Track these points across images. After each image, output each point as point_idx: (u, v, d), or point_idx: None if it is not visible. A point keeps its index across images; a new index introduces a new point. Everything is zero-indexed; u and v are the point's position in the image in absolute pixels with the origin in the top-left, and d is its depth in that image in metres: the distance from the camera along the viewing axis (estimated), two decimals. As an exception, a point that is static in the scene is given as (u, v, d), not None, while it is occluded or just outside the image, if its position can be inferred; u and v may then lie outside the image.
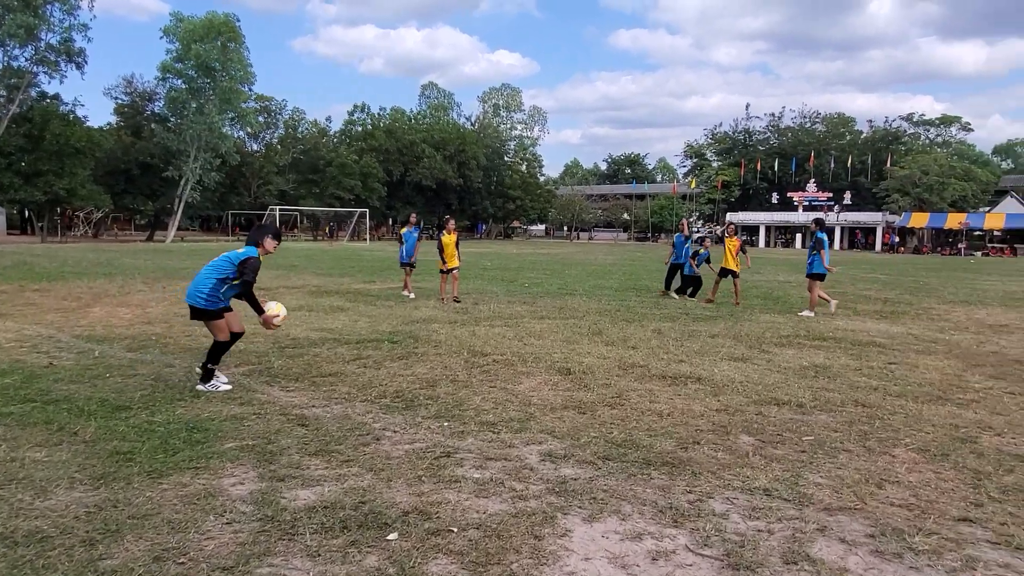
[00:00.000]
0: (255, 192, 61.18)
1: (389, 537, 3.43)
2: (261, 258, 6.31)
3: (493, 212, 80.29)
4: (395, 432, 5.17)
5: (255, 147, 67.02)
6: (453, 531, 3.51)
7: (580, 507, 3.85)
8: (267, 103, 66.50)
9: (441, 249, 13.89)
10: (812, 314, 12.49)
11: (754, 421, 5.62)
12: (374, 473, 4.30)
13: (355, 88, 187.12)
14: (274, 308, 6.40)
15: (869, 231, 69.39)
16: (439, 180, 70.42)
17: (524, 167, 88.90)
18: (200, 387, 6.20)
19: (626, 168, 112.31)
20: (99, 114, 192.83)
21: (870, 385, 6.99)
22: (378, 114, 77.53)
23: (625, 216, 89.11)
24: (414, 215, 17.30)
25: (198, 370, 6.42)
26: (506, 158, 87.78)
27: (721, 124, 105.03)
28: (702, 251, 15.98)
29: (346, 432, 5.10)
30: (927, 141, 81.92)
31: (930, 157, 70.17)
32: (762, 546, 3.43)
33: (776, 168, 78.11)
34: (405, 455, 4.66)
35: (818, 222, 13.33)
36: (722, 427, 5.44)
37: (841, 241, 69.90)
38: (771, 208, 75.81)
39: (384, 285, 16.89)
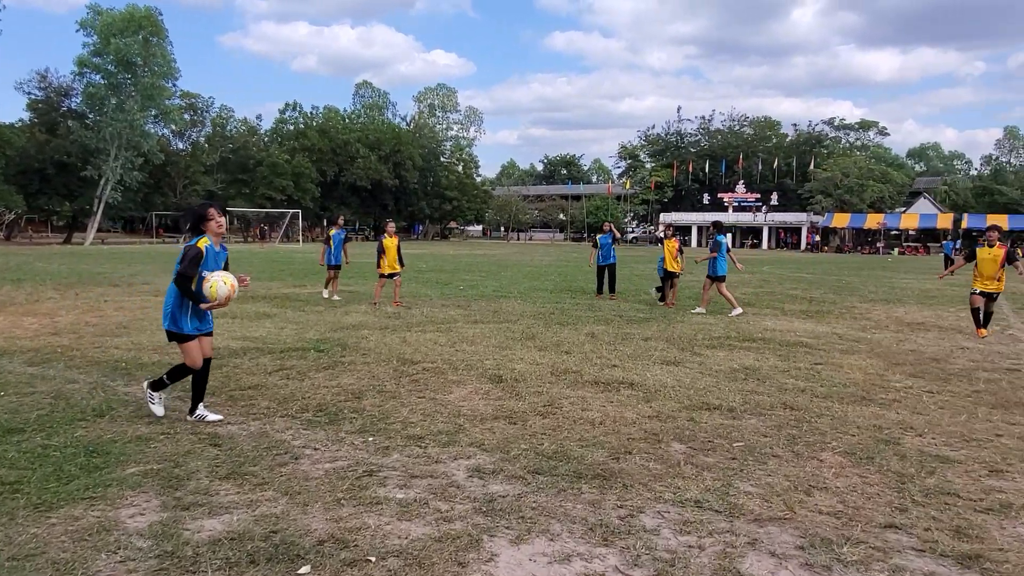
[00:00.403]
0: (181, 192, 58.96)
1: (301, 571, 3.19)
2: (210, 243, 5.34)
3: (430, 213, 79.65)
4: (316, 450, 4.90)
5: (181, 146, 64.61)
6: (371, 560, 3.30)
7: (507, 528, 3.69)
8: (193, 100, 64.16)
9: (382, 252, 13.52)
10: (741, 311, 12.76)
11: (686, 428, 5.57)
12: (289, 497, 4.04)
13: (287, 86, 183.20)
14: (211, 290, 5.26)
15: (795, 231, 71.76)
16: (374, 181, 69.41)
17: (461, 168, 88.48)
18: (153, 405, 5.56)
19: (562, 169, 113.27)
20: (10, 110, 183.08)
21: (798, 387, 7.07)
22: (311, 113, 75.99)
23: (561, 216, 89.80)
24: (341, 216, 16.92)
25: (145, 386, 5.67)
26: (442, 159, 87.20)
27: (654, 126, 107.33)
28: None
29: (262, 452, 4.80)
30: (847, 145, 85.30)
31: (850, 160, 73.16)
32: (692, 564, 3.33)
33: (707, 169, 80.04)
34: (325, 475, 4.40)
35: (716, 225, 13.79)
36: (654, 435, 5.36)
37: (769, 241, 72.13)
38: (703, 208, 77.55)
39: (315, 289, 16.40)
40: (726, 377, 7.46)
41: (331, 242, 14.77)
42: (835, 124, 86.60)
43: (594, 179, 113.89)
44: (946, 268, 29.37)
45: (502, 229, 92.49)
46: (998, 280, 10.89)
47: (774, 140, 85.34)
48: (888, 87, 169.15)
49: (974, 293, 11.05)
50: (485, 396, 6.45)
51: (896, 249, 62.57)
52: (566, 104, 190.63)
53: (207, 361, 5.54)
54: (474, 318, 11.74)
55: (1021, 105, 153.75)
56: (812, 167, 73.91)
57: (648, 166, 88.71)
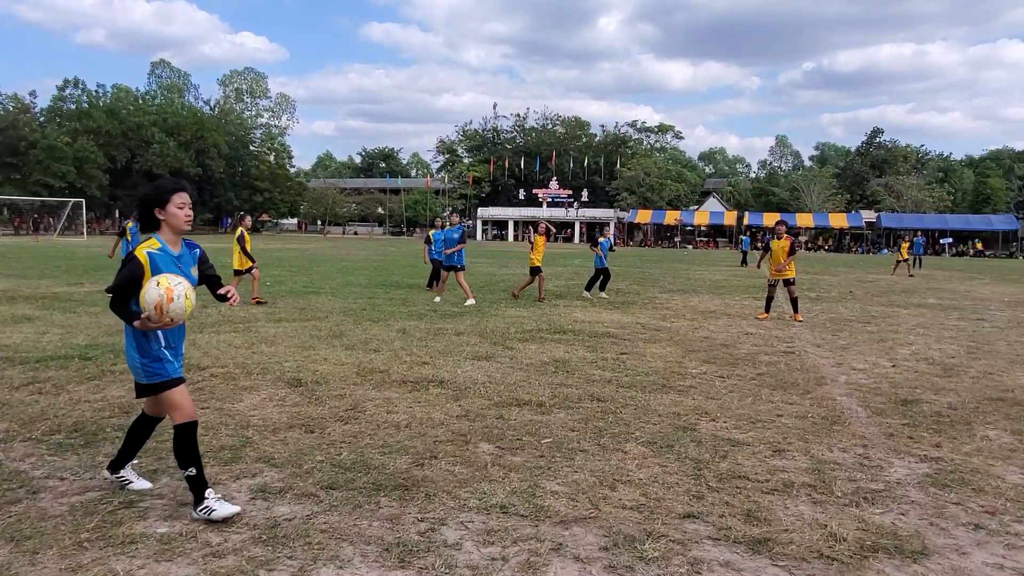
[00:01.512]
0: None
1: (11, 644, 2.54)
2: (162, 244, 3.68)
3: (239, 205, 74.71)
4: (62, 480, 4.11)
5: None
6: (113, 618, 2.71)
7: (290, 558, 3.23)
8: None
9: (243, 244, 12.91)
10: (473, 301, 13.21)
11: (495, 426, 5.38)
12: (15, 544, 3.29)
13: (69, 61, 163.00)
14: (150, 300, 3.46)
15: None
16: (174, 169, 63.82)
17: (272, 158, 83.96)
18: (193, 513, 3.63)
19: (380, 162, 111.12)
20: None
21: (604, 377, 7.18)
22: (96, 91, 68.25)
23: (380, 210, 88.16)
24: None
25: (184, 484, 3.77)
26: (252, 147, 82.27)
27: (471, 122, 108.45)
28: (603, 240, 16.45)
29: (-13, 488, 3.93)
30: (648, 147, 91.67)
31: (651, 161, 78.84)
32: (495, 579, 3.10)
33: (522, 166, 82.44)
34: (69, 512, 3.67)
35: (457, 214, 14.97)
36: (462, 436, 5.12)
37: (580, 236, 75.80)
38: (518, 204, 79.69)
39: (95, 287, 14.52)
40: (536, 371, 7.42)
41: (128, 235, 12.83)
42: (637, 127, 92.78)
43: (413, 173, 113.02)
44: (744, 261, 33.10)
45: (318, 223, 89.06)
46: (787, 268, 12.37)
47: (584, 139, 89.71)
48: (682, 95, 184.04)
49: (771, 284, 12.63)
50: (280, 403, 5.86)
51: (690, 244, 68.27)
52: (385, 96, 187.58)
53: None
54: (278, 316, 10.91)
55: (788, 117, 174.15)
56: (618, 166, 78.60)
57: (466, 161, 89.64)
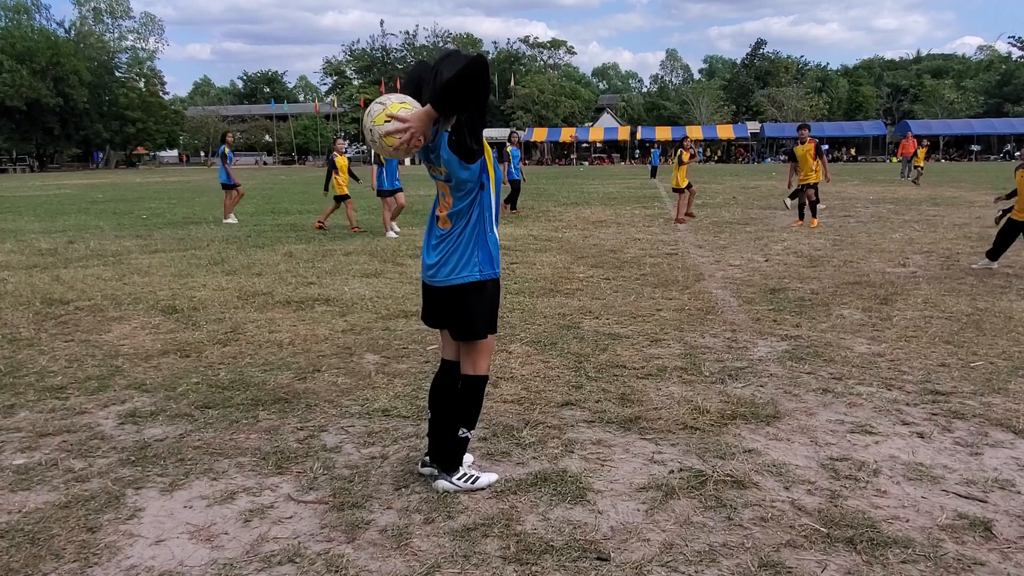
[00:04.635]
0: None
1: None
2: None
3: (109, 137, 69.17)
4: (-96, 423, 3.80)
5: None
6: (-39, 549, 2.57)
7: (160, 475, 3.15)
8: None
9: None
10: (392, 233, 11.66)
11: (380, 337, 5.36)
12: None
13: None
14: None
15: (501, 145, 75.37)
16: (29, 100, 58.08)
17: (143, 84, 77.53)
18: (446, 483, 2.97)
19: (264, 87, 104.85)
20: None
21: (493, 286, 7.23)
22: (-77, 13, 60.41)
23: (268, 138, 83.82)
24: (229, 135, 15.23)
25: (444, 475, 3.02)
26: (118, 73, 75.61)
27: (359, 41, 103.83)
28: (512, 148, 16.24)
29: None
30: (542, 63, 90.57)
31: (545, 78, 78.12)
32: (373, 475, 3.13)
33: (415, 86, 79.83)
34: (-89, 453, 3.41)
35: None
36: (347, 349, 5.07)
37: (478, 156, 75.05)
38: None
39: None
40: (426, 284, 7.39)
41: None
42: (530, 43, 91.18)
43: (301, 98, 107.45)
44: (653, 174, 31.53)
45: (201, 154, 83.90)
46: (815, 171, 12.17)
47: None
48: (575, 9, 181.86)
49: (807, 187, 12.15)
50: (153, 331, 5.60)
51: (587, 160, 68.92)
52: (263, 15, 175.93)
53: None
54: (154, 248, 10.32)
55: (678, 31, 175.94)
56: (512, 84, 77.48)
57: (356, 83, 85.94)
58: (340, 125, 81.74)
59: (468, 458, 3.13)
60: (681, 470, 3.13)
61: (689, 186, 13.51)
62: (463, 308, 2.85)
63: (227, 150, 14.52)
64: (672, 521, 2.71)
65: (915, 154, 25.20)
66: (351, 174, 12.83)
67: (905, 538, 2.56)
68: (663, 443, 3.44)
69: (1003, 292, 6.70)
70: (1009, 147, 58.43)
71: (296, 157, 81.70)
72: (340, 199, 12.63)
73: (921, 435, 3.50)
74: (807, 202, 12.34)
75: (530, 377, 4.44)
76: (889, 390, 4.12)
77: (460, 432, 2.94)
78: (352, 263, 8.71)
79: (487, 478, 3.01)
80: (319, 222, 12.65)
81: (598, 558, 2.45)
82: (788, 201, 13.67)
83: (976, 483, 3.00)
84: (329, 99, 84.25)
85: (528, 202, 18.62)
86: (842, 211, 15.10)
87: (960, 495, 2.90)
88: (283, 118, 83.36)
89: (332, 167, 12.65)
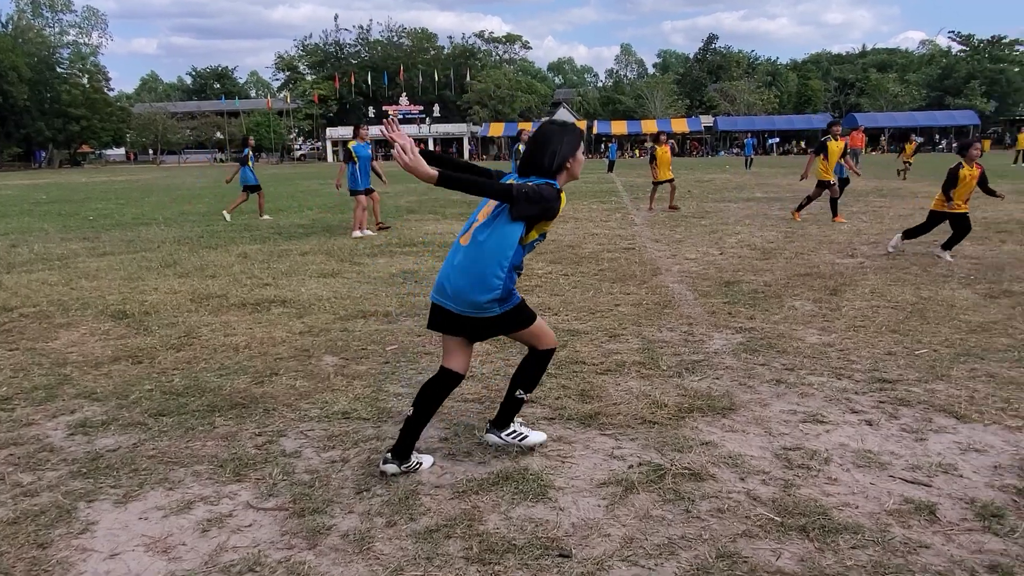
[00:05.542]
0: None
1: None
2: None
3: (52, 136, 66.88)
4: None
5: None
6: (-97, 571, 2.48)
7: (113, 487, 3.08)
8: None
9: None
10: (361, 234, 11.12)
11: (339, 339, 5.31)
12: None
13: None
14: None
15: (458, 141, 75.16)
16: (-36, 97, 55.81)
17: (86, 80, 75.17)
18: (495, 438, 3.32)
19: (215, 83, 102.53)
20: None
21: (453, 284, 7.22)
22: None
23: (219, 135, 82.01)
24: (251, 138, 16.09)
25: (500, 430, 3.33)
26: (59, 69, 73.12)
27: (312, 36, 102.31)
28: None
29: None
30: (498, 58, 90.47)
31: (500, 72, 78.03)
32: (334, 479, 3.11)
33: (370, 82, 79.07)
34: None
35: (349, 141, 13.17)
36: (304, 351, 5.01)
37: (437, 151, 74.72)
38: (369, 122, 76.80)
39: None
40: (384, 283, 7.35)
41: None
42: (485, 37, 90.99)
43: (253, 93, 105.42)
44: (611, 168, 33.52)
45: (150, 152, 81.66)
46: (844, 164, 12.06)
47: (432, 52, 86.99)
48: (530, 4, 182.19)
49: (832, 184, 11.96)
50: (103, 337, 5.46)
51: (545, 155, 69.08)
52: (212, 9, 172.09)
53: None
54: (102, 250, 10.04)
55: (632, 25, 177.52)
56: (468, 79, 77.25)
57: (309, 79, 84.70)
58: (294, 121, 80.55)
59: (427, 459, 3.19)
60: (640, 464, 3.18)
61: (655, 182, 14.68)
62: None
63: (251, 152, 15.14)
64: (632, 515, 2.75)
65: (903, 149, 25.86)
66: (376, 172, 11.97)
67: (855, 524, 2.65)
68: (623, 438, 3.49)
69: (945, 281, 6.95)
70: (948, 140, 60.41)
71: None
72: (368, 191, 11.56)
73: (869, 423, 3.62)
74: (833, 197, 12.14)
75: (491, 375, 4.46)
76: (839, 379, 4.24)
77: (517, 393, 3.22)
78: (308, 263, 8.60)
79: (536, 437, 3.33)
80: (379, 224, 11.91)
81: (560, 555, 2.48)
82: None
83: (921, 468, 3.11)
84: (282, 95, 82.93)
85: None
86: (794, 204, 15.42)
87: (906, 480, 3.01)
88: (234, 114, 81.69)
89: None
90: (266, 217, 14.77)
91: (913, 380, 4.20)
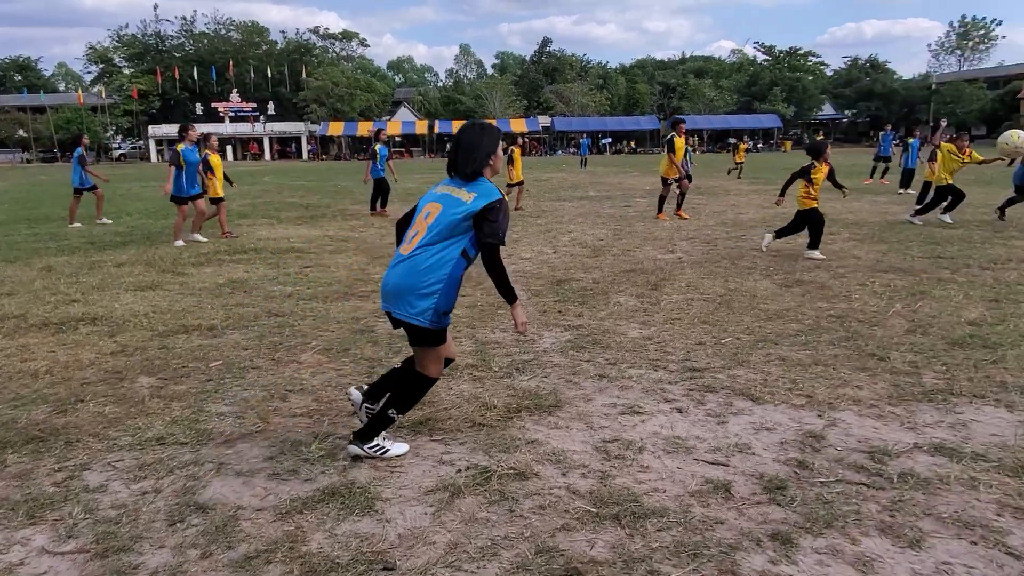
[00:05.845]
0: None
1: None
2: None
3: None
4: None
5: None
6: None
7: None
8: None
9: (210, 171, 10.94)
10: (183, 243, 10.36)
11: (156, 357, 4.97)
12: None
13: None
14: None
15: (296, 140, 72.44)
16: None
17: None
18: (357, 449, 3.34)
19: (15, 75, 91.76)
20: None
21: (285, 293, 6.99)
22: None
23: (22, 133, 73.49)
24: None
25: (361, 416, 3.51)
26: None
27: (128, 26, 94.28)
28: (380, 146, 14.28)
29: None
30: (334, 55, 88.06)
31: (338, 70, 76.08)
32: (144, 513, 2.92)
33: (196, 77, 74.17)
34: None
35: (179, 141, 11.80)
36: (116, 373, 4.65)
37: (271, 152, 71.49)
38: (197, 119, 72.04)
39: None
40: (210, 294, 6.96)
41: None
42: (320, 33, 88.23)
43: (61, 87, 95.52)
44: (584, 164, 32.18)
45: (-66, 152, 71.59)
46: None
47: (264, 47, 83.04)
48: (367, 1, 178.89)
49: (680, 179, 12.53)
50: None
51: (387, 154, 68.21)
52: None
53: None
54: None
55: (471, 26, 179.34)
56: (304, 76, 74.60)
57: (127, 72, 78.01)
58: (111, 118, 73.89)
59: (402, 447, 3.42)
60: (468, 468, 3.25)
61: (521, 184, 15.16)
62: None
63: (84, 152, 13.75)
64: (458, 520, 2.81)
65: (735, 150, 27.09)
66: (226, 177, 11.43)
67: (662, 508, 2.87)
68: (452, 443, 3.54)
69: (749, 273, 7.65)
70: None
71: (60, 154, 72.51)
72: (215, 201, 11.09)
73: (680, 410, 3.92)
74: (682, 192, 12.87)
75: (321, 387, 4.36)
76: (655, 371, 4.56)
77: (390, 412, 3.31)
78: (124, 275, 7.96)
79: (398, 449, 3.40)
80: (224, 233, 11.10)
81: (384, 568, 2.48)
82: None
83: (720, 449, 3.42)
84: (96, 89, 75.77)
85: (324, 200, 18.14)
86: (623, 201, 16.33)
87: (708, 462, 3.30)
88: (40, 110, 73.56)
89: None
90: (106, 220, 13.80)
91: (718, 367, 4.60)
